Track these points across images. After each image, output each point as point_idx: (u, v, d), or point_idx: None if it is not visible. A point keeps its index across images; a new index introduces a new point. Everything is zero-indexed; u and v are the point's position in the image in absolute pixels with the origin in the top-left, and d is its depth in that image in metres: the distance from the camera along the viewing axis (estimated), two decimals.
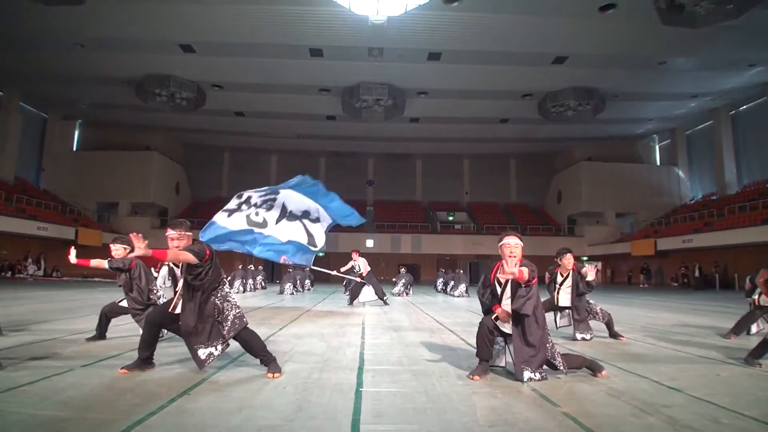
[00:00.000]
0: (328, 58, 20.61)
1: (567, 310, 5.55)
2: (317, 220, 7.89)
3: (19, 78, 23.45)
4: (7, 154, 25.12)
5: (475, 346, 3.62)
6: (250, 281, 15.15)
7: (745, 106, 26.34)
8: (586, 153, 32.63)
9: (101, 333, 4.77)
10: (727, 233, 21.28)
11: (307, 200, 7.84)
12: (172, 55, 20.43)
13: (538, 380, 3.27)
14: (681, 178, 31.77)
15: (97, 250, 19.85)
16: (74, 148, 31.01)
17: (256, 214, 7.51)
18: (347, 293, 11.39)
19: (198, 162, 35.59)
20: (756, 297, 5.52)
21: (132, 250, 4.81)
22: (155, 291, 4.76)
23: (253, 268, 15.99)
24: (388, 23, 17.43)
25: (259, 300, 11.43)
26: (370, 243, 29.96)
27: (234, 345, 3.60)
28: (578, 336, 5.22)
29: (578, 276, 5.34)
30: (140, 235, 3.08)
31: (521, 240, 3.51)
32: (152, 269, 6.10)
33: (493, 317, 3.55)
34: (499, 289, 3.57)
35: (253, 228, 7.45)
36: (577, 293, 5.32)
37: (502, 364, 3.64)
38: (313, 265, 8.36)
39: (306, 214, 7.82)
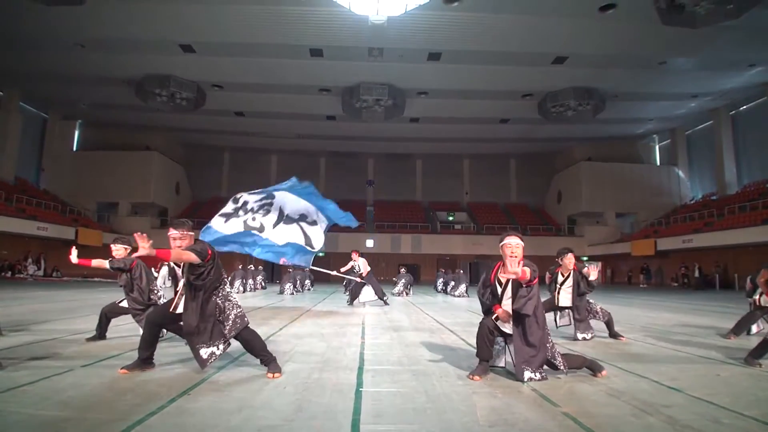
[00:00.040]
0: (328, 58, 20.62)
1: (567, 310, 5.55)
2: (314, 222, 7.89)
3: (19, 78, 23.46)
4: (7, 154, 25.13)
5: (474, 346, 3.62)
6: (250, 281, 15.16)
7: (745, 106, 26.34)
8: (586, 153, 32.64)
9: (101, 333, 4.77)
10: (727, 233, 21.28)
11: (303, 202, 7.86)
12: (172, 55, 20.44)
13: (539, 380, 3.27)
14: (681, 178, 31.77)
15: (97, 250, 19.85)
16: (74, 148, 31.02)
17: (253, 219, 7.56)
18: (347, 293, 11.39)
19: (198, 162, 35.60)
20: (757, 297, 5.50)
21: (133, 250, 4.84)
22: (156, 291, 4.76)
23: (253, 268, 15.99)
24: (388, 23, 17.43)
25: (259, 300, 11.43)
26: (370, 243, 29.98)
27: (234, 345, 3.61)
28: (579, 336, 5.22)
29: (579, 276, 5.34)
30: (145, 235, 3.09)
31: (522, 240, 3.51)
32: (152, 269, 6.10)
33: (493, 317, 3.55)
34: (499, 289, 3.57)
35: (251, 231, 7.49)
36: (578, 293, 5.32)
37: (502, 364, 3.64)
38: (313, 266, 8.38)
39: (303, 218, 7.85)
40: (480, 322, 3.58)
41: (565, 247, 5.58)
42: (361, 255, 10.39)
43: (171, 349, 4.33)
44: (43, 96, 26.55)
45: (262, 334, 3.71)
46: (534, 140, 32.17)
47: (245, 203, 7.59)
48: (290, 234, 7.70)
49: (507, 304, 3.51)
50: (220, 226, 7.33)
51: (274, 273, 25.66)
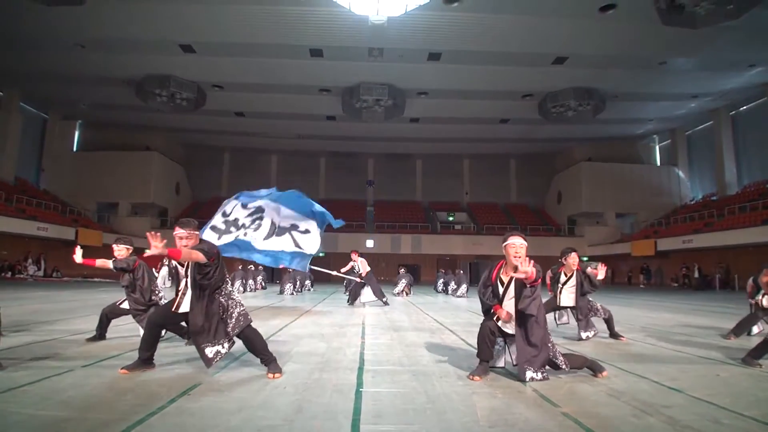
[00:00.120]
0: (328, 59, 20.62)
1: (568, 310, 5.56)
2: (307, 231, 7.91)
3: (19, 78, 23.46)
4: (7, 155, 25.12)
5: (475, 346, 3.62)
6: (251, 281, 15.17)
7: (745, 107, 26.34)
8: (586, 153, 32.64)
9: (101, 333, 4.77)
10: (727, 234, 21.28)
11: (292, 213, 7.88)
12: (173, 56, 20.44)
13: (540, 380, 3.28)
14: (681, 179, 31.77)
15: (97, 251, 19.81)
16: (74, 149, 31.03)
17: (245, 234, 7.65)
18: (347, 294, 11.39)
19: (198, 162, 35.60)
20: (759, 298, 5.46)
21: (135, 251, 4.85)
22: (157, 292, 4.77)
23: (253, 269, 15.99)
24: (388, 23, 17.43)
25: (259, 300, 11.43)
26: (370, 243, 29.99)
27: (235, 344, 3.61)
28: (583, 335, 5.22)
29: (583, 276, 5.33)
30: (158, 234, 3.10)
31: (526, 240, 3.52)
32: (152, 270, 6.09)
33: (494, 318, 3.54)
34: (501, 289, 3.57)
35: (247, 240, 7.62)
36: (581, 293, 5.32)
37: (501, 364, 3.65)
38: (314, 266, 8.40)
39: (294, 227, 7.89)
40: (481, 323, 3.58)
41: (568, 246, 5.58)
42: (361, 255, 10.40)
43: (171, 349, 4.34)
44: (43, 96, 26.56)
45: (262, 335, 3.70)
46: (534, 140, 32.17)
47: (236, 219, 7.65)
48: (283, 244, 7.80)
49: (509, 304, 3.51)
50: (213, 240, 7.35)
51: (274, 273, 25.63)
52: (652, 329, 6.48)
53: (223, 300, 3.43)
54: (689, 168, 31.75)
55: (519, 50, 19.48)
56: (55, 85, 24.27)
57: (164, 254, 3.04)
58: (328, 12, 17.03)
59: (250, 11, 16.96)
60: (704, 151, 29.99)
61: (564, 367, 3.37)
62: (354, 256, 10.22)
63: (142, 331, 4.33)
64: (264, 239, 7.71)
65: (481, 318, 3.79)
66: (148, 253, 3.06)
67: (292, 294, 13.87)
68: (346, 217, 31.42)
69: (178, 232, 3.40)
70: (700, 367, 3.97)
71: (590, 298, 5.46)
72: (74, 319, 6.66)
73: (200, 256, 3.22)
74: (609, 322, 5.47)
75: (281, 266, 8.00)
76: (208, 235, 7.36)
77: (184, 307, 3.45)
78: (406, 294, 14.33)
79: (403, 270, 15.37)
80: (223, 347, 3.37)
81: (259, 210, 7.77)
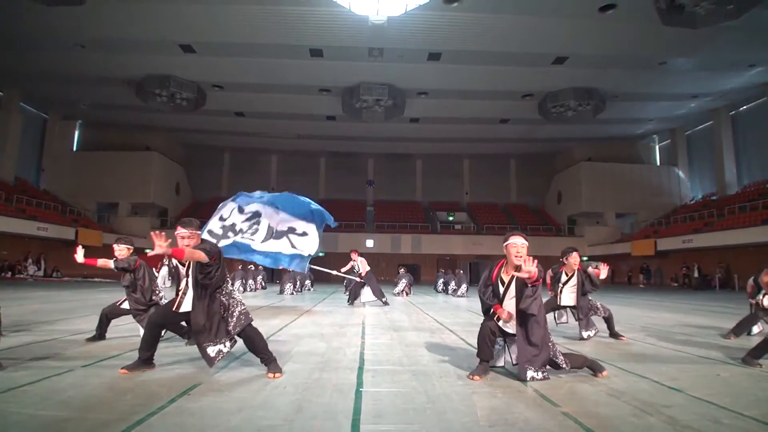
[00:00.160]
0: (328, 59, 20.62)
1: (568, 309, 5.57)
2: (304, 234, 7.94)
3: (19, 78, 23.45)
4: (8, 155, 25.12)
5: (475, 346, 3.62)
6: (251, 281, 15.17)
7: (745, 107, 26.33)
8: (586, 153, 32.63)
9: (101, 333, 4.77)
10: (727, 233, 21.27)
11: (289, 216, 7.92)
12: (173, 56, 20.44)
13: (541, 379, 3.28)
14: (681, 179, 31.77)
15: (96, 251, 19.82)
16: (74, 149, 31.00)
17: (242, 238, 7.76)
18: (347, 293, 11.40)
19: (198, 162, 35.59)
20: (760, 298, 5.45)
21: (136, 250, 4.85)
22: (157, 291, 4.77)
23: (253, 268, 15.99)
24: (388, 23, 17.43)
25: (259, 300, 11.43)
26: (370, 243, 29.99)
27: (235, 344, 3.61)
28: (584, 334, 5.23)
29: (584, 275, 5.34)
30: (163, 234, 3.11)
31: (527, 240, 3.52)
32: (153, 270, 6.09)
33: (495, 318, 3.54)
34: (501, 289, 3.57)
35: (246, 243, 7.69)
36: (582, 292, 5.32)
37: (501, 364, 3.65)
38: (314, 265, 8.43)
39: (292, 230, 7.93)
40: (482, 323, 3.58)
41: (570, 246, 5.60)
42: (361, 255, 10.40)
43: (171, 349, 4.34)
44: (43, 96, 26.55)
45: (262, 334, 3.70)
46: (534, 140, 32.16)
47: (233, 224, 7.70)
48: (281, 246, 7.88)
49: (509, 304, 3.51)
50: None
51: (274, 273, 25.63)
52: (652, 329, 6.48)
53: (224, 299, 3.44)
54: (689, 168, 31.75)
55: (519, 50, 19.47)
56: (55, 85, 24.27)
57: (168, 254, 3.06)
58: (328, 12, 17.03)
59: (250, 11, 16.96)
60: (704, 151, 29.99)
61: (564, 366, 3.37)
62: (354, 256, 10.22)
63: (142, 331, 4.33)
64: (262, 242, 7.77)
65: (481, 318, 3.79)
66: (152, 252, 3.07)
67: (292, 294, 13.88)
68: (346, 217, 31.69)
69: (180, 231, 3.40)
70: (701, 366, 3.97)
71: (590, 297, 5.47)
72: (74, 319, 6.66)
73: (203, 256, 3.22)
74: (609, 321, 5.47)
75: (281, 267, 8.07)
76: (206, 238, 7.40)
77: (185, 306, 3.46)
78: (406, 294, 14.33)
79: (402, 270, 15.38)
80: (225, 346, 3.38)
81: (256, 215, 7.83)
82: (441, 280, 16.93)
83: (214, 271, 3.34)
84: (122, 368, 3.38)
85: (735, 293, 17.88)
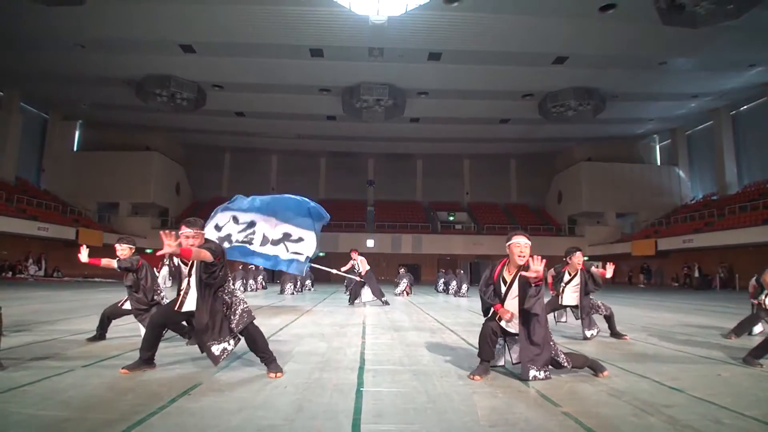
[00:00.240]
0: (328, 58, 20.61)
1: (569, 309, 5.57)
2: (300, 239, 7.98)
3: (19, 78, 23.46)
4: (8, 155, 25.14)
5: (475, 346, 3.62)
6: (251, 281, 15.17)
7: (745, 107, 26.32)
8: (587, 153, 32.63)
9: (101, 333, 4.77)
10: (727, 233, 21.27)
11: (285, 224, 7.95)
12: (173, 56, 20.44)
13: (543, 379, 3.28)
14: (681, 178, 31.75)
15: (97, 251, 19.83)
16: (75, 149, 31.01)
17: (240, 244, 7.84)
18: (348, 293, 11.40)
19: (198, 162, 35.60)
20: (763, 298, 5.42)
21: (137, 250, 4.86)
22: (159, 291, 4.77)
23: (253, 268, 15.96)
24: (389, 23, 17.43)
25: (259, 300, 11.43)
26: (370, 243, 29.99)
27: (239, 343, 3.61)
28: (588, 333, 5.24)
29: (587, 275, 5.34)
30: (173, 233, 3.12)
31: (529, 239, 3.52)
32: (153, 269, 6.09)
33: (497, 318, 3.54)
34: (503, 288, 3.56)
35: (246, 246, 7.79)
36: (585, 292, 5.33)
37: (502, 363, 3.65)
38: (314, 264, 8.48)
39: (287, 236, 7.96)
40: (483, 323, 3.58)
41: (573, 246, 5.61)
42: (361, 254, 10.41)
43: (172, 349, 4.34)
44: (44, 96, 26.56)
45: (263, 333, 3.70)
46: (534, 140, 32.16)
47: (228, 235, 7.75)
48: (279, 251, 7.98)
49: (511, 303, 3.51)
50: None
51: (274, 273, 25.61)
52: (653, 329, 6.48)
53: (226, 297, 3.46)
54: (689, 168, 31.73)
55: (519, 50, 19.46)
56: (56, 86, 24.28)
57: (177, 253, 3.07)
58: (329, 12, 17.03)
59: (251, 11, 16.96)
60: (704, 150, 29.98)
61: (566, 365, 3.37)
62: (354, 255, 10.23)
63: (142, 331, 4.34)
64: (260, 245, 7.84)
65: (482, 318, 3.79)
66: (161, 251, 3.08)
67: (293, 294, 13.87)
68: (347, 217, 31.72)
69: (185, 231, 3.41)
70: (701, 366, 3.97)
71: (591, 297, 5.48)
72: (75, 319, 6.67)
73: (208, 255, 3.24)
74: (610, 319, 5.47)
75: (280, 270, 8.16)
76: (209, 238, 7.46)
77: (188, 305, 3.47)
78: (407, 294, 14.34)
79: (403, 270, 15.39)
80: (229, 344, 3.40)
81: (251, 224, 7.88)
82: (441, 280, 16.92)
83: (218, 270, 3.36)
84: (123, 368, 3.38)
85: (736, 293, 17.88)
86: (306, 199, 8.14)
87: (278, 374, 3.37)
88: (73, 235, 23.88)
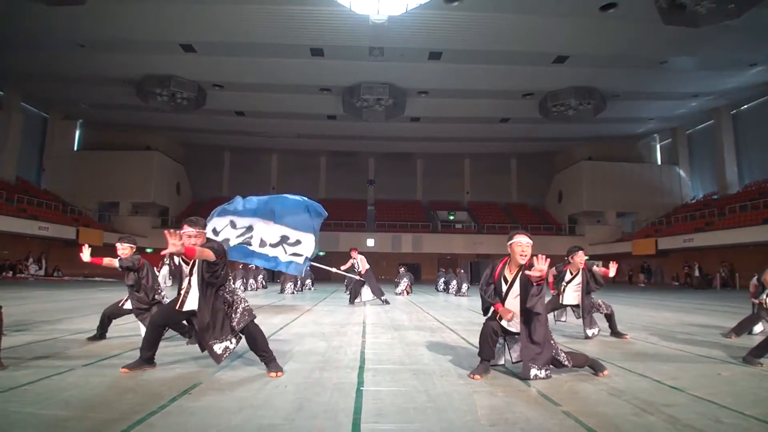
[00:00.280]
0: (328, 58, 20.60)
1: (569, 308, 5.57)
2: (298, 242, 8.00)
3: (19, 78, 23.47)
4: (8, 154, 25.15)
5: (475, 345, 3.62)
6: (251, 281, 15.17)
7: (746, 106, 26.29)
8: (587, 152, 32.61)
9: (102, 333, 4.77)
10: (728, 233, 21.26)
11: (281, 227, 7.96)
12: (173, 55, 20.43)
13: (544, 378, 3.29)
14: (682, 178, 31.74)
15: (97, 250, 19.85)
16: (75, 148, 31.02)
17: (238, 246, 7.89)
18: (348, 293, 11.40)
19: (199, 162, 35.60)
20: (764, 297, 5.40)
21: (138, 249, 4.86)
22: (160, 290, 4.77)
23: (253, 268, 15.96)
24: (389, 23, 17.41)
25: (260, 299, 11.42)
26: (370, 242, 29.99)
27: (240, 341, 3.62)
28: (589, 332, 5.25)
29: (589, 274, 5.34)
30: (178, 232, 3.15)
31: (531, 239, 3.52)
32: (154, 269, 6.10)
33: (497, 317, 3.54)
34: (504, 287, 3.56)
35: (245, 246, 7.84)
36: (587, 291, 5.33)
37: (502, 362, 3.65)
38: (314, 262, 8.51)
39: (284, 239, 7.99)
40: (484, 322, 3.58)
41: (575, 245, 5.61)
42: (360, 253, 10.42)
43: (172, 348, 4.34)
44: (44, 96, 26.56)
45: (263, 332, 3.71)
46: (535, 140, 32.14)
47: (226, 240, 7.80)
48: (277, 252, 8.03)
49: (512, 303, 3.51)
50: None
51: (274, 272, 25.61)
52: (654, 328, 6.48)
53: (228, 296, 3.48)
54: (690, 167, 31.72)
55: (519, 49, 19.44)
56: (56, 85, 24.27)
57: (182, 252, 3.09)
58: (329, 11, 17.01)
59: (251, 11, 16.95)
60: (705, 150, 29.96)
61: (567, 363, 3.38)
62: (354, 254, 10.24)
63: (143, 330, 4.34)
64: (259, 247, 7.88)
65: (482, 317, 3.79)
66: (166, 250, 3.10)
67: (293, 293, 13.87)
68: (347, 216, 31.73)
69: (188, 230, 3.41)
70: (701, 365, 3.97)
71: (592, 296, 5.48)
72: (75, 318, 6.67)
73: (211, 254, 3.26)
74: (611, 318, 5.47)
75: (280, 270, 8.22)
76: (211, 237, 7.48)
77: (189, 305, 3.48)
78: (407, 293, 14.34)
79: (403, 269, 15.39)
80: (231, 342, 3.41)
81: (249, 230, 7.91)
82: (442, 280, 16.92)
83: (220, 269, 3.38)
84: (123, 367, 3.38)
85: (736, 292, 17.87)
86: (303, 198, 8.14)
87: (278, 373, 3.37)
88: (73, 235, 23.90)
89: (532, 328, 3.37)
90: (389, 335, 5.59)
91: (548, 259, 3.26)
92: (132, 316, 4.81)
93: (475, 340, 3.66)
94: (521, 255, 3.44)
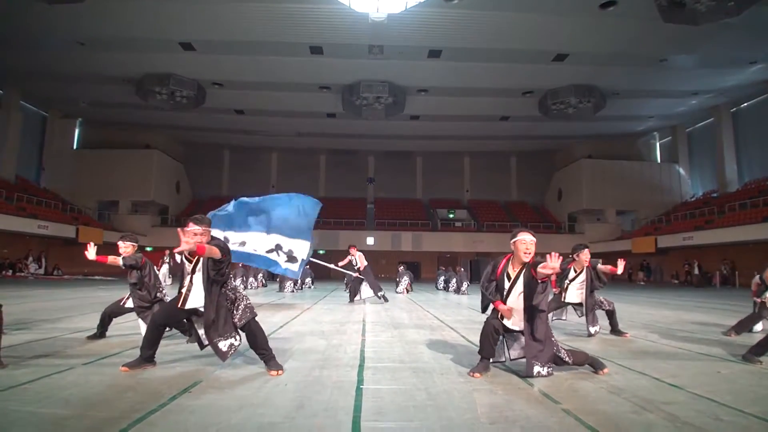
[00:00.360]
0: (328, 56, 20.56)
1: (571, 306, 5.57)
2: (290, 251, 8.01)
3: (19, 77, 23.42)
4: (8, 153, 25.12)
5: (475, 343, 3.62)
6: (251, 279, 15.18)
7: (746, 104, 26.27)
8: (587, 150, 32.57)
9: (102, 332, 4.77)
10: (727, 231, 21.27)
11: (275, 236, 7.96)
12: (172, 53, 20.39)
13: (546, 375, 3.29)
14: (682, 176, 31.73)
15: (97, 249, 19.83)
16: (74, 147, 30.98)
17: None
18: (347, 291, 11.41)
19: (198, 160, 35.55)
20: (767, 296, 5.38)
21: (139, 248, 4.86)
22: (161, 288, 4.77)
23: (254, 266, 15.98)
24: (389, 20, 17.38)
25: (259, 298, 11.42)
26: (370, 240, 29.98)
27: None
28: (591, 330, 5.25)
29: (593, 272, 5.34)
30: (190, 231, 3.25)
31: (535, 236, 3.51)
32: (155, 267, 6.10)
33: (499, 316, 3.54)
34: (507, 284, 3.56)
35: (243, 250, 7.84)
36: (591, 289, 5.33)
37: (502, 359, 3.64)
38: (313, 258, 8.51)
39: (278, 247, 8.00)
40: (486, 321, 3.58)
41: (581, 243, 5.62)
42: (359, 251, 10.43)
43: (172, 347, 4.34)
44: (43, 94, 26.51)
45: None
46: (534, 138, 32.12)
47: None
48: (274, 257, 8.02)
49: (515, 300, 3.50)
50: None
51: None
52: (653, 326, 6.48)
53: (230, 293, 3.51)
54: (690, 165, 31.70)
55: (519, 47, 19.41)
56: (55, 84, 24.22)
57: (194, 250, 3.13)
58: (328, 9, 16.98)
59: (250, 8, 16.91)
60: (705, 148, 29.94)
61: (568, 360, 3.39)
62: (352, 251, 10.25)
63: (143, 329, 4.34)
64: (255, 252, 7.92)
65: (482, 315, 3.79)
66: (178, 248, 3.14)
67: (293, 291, 13.87)
68: (347, 214, 31.74)
69: (194, 228, 3.42)
70: (701, 363, 3.97)
71: (595, 293, 5.49)
72: (75, 317, 6.67)
73: (218, 252, 3.30)
74: (612, 315, 5.48)
75: (277, 272, 8.24)
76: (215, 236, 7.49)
77: (191, 303, 3.49)
78: (407, 291, 14.35)
79: (402, 267, 15.39)
80: (236, 340, 3.43)
81: (242, 244, 7.91)
82: (442, 278, 16.93)
83: (225, 267, 3.41)
84: (123, 366, 3.39)
85: (736, 290, 17.88)
86: (296, 196, 8.11)
87: (278, 372, 3.37)
88: (73, 233, 23.91)
89: (534, 326, 3.38)
90: (389, 333, 5.60)
91: (561, 257, 3.25)
92: (132, 315, 4.81)
93: (475, 338, 3.66)
94: (525, 252, 3.44)
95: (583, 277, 5.39)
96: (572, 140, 32.43)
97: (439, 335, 5.48)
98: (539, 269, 3.27)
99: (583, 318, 5.43)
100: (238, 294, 3.56)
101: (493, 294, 3.61)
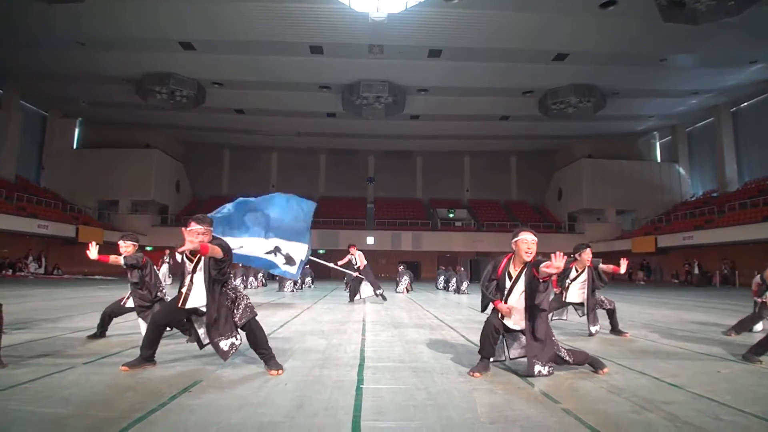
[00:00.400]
0: (328, 55, 20.56)
1: (571, 305, 5.57)
2: (288, 255, 8.01)
3: (19, 76, 23.43)
4: (8, 153, 25.13)
5: (475, 342, 3.62)
6: (251, 278, 15.19)
7: (746, 103, 26.27)
8: (587, 150, 32.57)
9: (102, 331, 4.77)
10: (727, 230, 21.28)
11: (273, 240, 7.95)
12: (172, 53, 20.39)
13: (547, 375, 3.30)
14: (682, 175, 31.73)
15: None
16: (74, 146, 31.01)
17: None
18: (347, 290, 11.41)
19: (198, 159, 35.54)
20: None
21: (140, 248, 4.86)
22: (161, 288, 4.77)
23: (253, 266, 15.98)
24: (389, 20, 17.38)
25: (259, 297, 11.42)
26: (370, 240, 29.98)
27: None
28: (592, 329, 5.25)
29: (594, 272, 5.34)
30: (194, 231, 3.27)
31: (536, 236, 3.52)
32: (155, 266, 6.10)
33: (499, 316, 3.54)
34: (508, 283, 3.55)
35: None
36: (593, 288, 5.34)
37: (502, 359, 3.64)
38: (312, 257, 8.52)
39: (277, 249, 7.99)
40: (486, 320, 3.58)
41: (582, 242, 5.62)
42: (359, 250, 10.44)
43: (172, 346, 4.34)
44: (43, 94, 26.52)
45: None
46: (534, 137, 32.12)
47: None
48: (273, 259, 8.01)
49: (516, 299, 3.50)
50: None
51: None
52: (653, 325, 6.48)
53: (231, 293, 3.52)
54: (690, 164, 31.71)
55: (519, 47, 19.41)
56: (55, 83, 24.23)
57: (198, 249, 3.16)
58: (328, 9, 16.98)
59: (250, 8, 16.91)
60: (705, 147, 29.94)
61: (568, 359, 3.39)
62: (352, 250, 10.26)
63: (143, 328, 4.34)
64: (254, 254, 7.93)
65: (482, 314, 3.79)
66: (181, 248, 3.18)
67: (293, 291, 13.88)
68: (347, 214, 31.74)
69: (196, 227, 3.41)
70: (701, 363, 3.97)
71: (596, 293, 5.49)
72: (75, 316, 6.67)
73: (220, 251, 3.31)
74: (613, 314, 5.48)
75: (276, 273, 8.26)
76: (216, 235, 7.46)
77: (191, 302, 3.49)
78: (407, 291, 14.36)
79: (402, 267, 15.40)
80: (237, 339, 3.44)
81: (240, 248, 7.90)
82: (442, 277, 16.94)
83: (226, 266, 3.42)
84: (123, 365, 3.39)
85: (736, 290, 17.88)
86: (294, 197, 8.11)
87: (278, 371, 3.37)
88: (73, 233, 23.92)
89: (535, 325, 3.38)
90: (389, 333, 5.60)
91: (565, 256, 3.25)
92: (132, 315, 4.80)
93: (475, 338, 3.66)
94: (527, 252, 3.44)
95: (584, 276, 5.39)
96: (572, 140, 32.43)
97: (439, 335, 5.48)
98: (542, 268, 3.26)
99: (584, 318, 5.44)
100: (238, 293, 3.56)
101: (494, 293, 3.61)
